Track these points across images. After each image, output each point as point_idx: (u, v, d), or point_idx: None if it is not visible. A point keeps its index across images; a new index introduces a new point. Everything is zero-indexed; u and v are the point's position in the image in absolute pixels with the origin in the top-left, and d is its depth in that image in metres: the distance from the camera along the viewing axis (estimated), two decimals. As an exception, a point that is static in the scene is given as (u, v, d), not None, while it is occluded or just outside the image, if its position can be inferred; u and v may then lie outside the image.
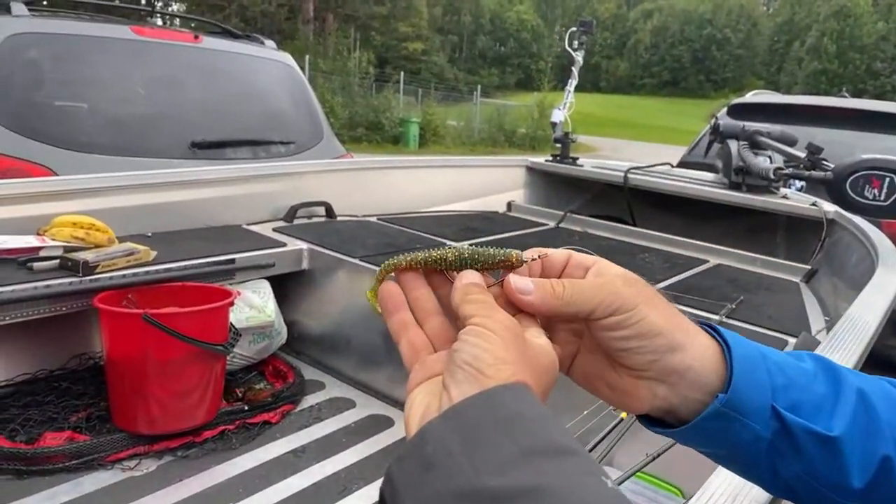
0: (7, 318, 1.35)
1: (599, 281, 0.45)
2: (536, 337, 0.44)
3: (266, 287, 1.79)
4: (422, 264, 0.48)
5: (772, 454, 0.45)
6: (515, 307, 0.46)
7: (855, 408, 0.46)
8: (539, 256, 0.47)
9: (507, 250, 0.47)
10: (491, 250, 0.47)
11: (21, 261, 1.47)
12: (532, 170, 3.13)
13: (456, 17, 46.91)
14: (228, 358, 1.60)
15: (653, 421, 0.49)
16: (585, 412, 1.17)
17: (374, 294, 0.49)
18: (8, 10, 2.63)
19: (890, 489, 0.46)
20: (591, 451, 0.98)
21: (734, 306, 1.68)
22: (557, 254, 0.48)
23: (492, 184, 2.97)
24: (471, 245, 0.49)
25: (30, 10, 2.68)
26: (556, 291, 0.45)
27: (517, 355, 0.40)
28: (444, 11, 45.88)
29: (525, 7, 49.96)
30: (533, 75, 43.49)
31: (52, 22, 2.73)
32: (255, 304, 1.73)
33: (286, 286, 1.91)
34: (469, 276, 0.45)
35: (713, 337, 0.47)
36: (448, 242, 2.07)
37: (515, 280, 0.46)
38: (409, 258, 0.48)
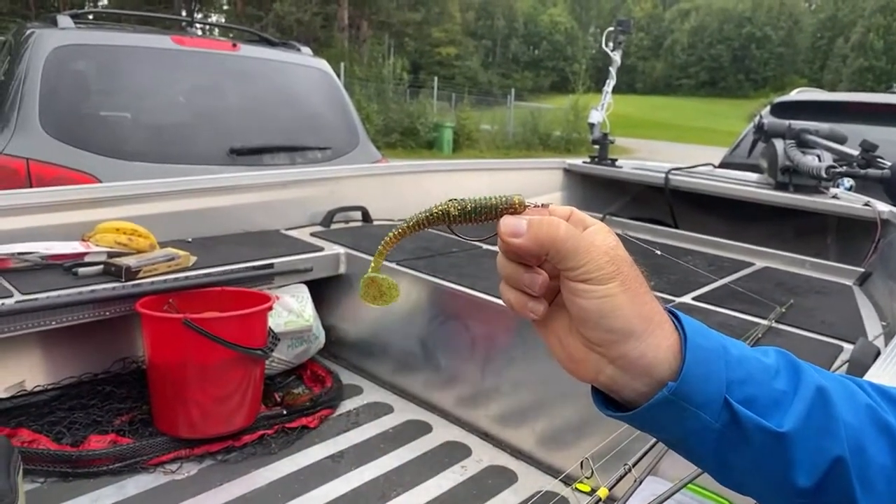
0: (54, 323, 1.38)
1: (592, 240, 0.44)
2: None
3: (304, 291, 1.80)
4: (425, 223, 0.47)
5: (722, 446, 0.45)
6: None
7: (811, 406, 0.45)
8: (542, 205, 0.46)
9: (509, 196, 0.46)
10: (492, 198, 0.46)
11: (66, 266, 1.50)
12: (570, 172, 3.09)
13: (489, 22, 46.93)
14: (267, 362, 1.61)
15: (603, 402, 0.49)
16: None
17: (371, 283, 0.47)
18: (54, 23, 2.71)
19: (841, 491, 0.44)
20: (637, 461, 0.94)
21: (784, 310, 1.62)
22: (560, 209, 0.47)
23: (529, 186, 2.94)
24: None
25: (75, 22, 2.75)
26: (553, 227, 0.43)
27: None
28: (477, 16, 45.94)
29: (559, 10, 49.69)
30: (567, 78, 43.15)
31: (97, 33, 2.80)
32: (293, 309, 1.73)
33: (324, 290, 1.91)
34: None
35: (676, 327, 0.46)
36: (484, 247, 2.05)
37: (506, 222, 0.45)
38: (412, 222, 0.47)
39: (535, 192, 2.94)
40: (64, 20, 2.72)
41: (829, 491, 0.45)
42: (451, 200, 0.46)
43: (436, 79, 20.13)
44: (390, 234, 0.47)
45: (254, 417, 1.53)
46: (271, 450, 1.49)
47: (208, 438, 1.46)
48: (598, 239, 0.44)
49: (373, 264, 0.46)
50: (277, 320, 1.67)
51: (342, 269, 1.90)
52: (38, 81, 2.47)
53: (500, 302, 1.54)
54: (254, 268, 1.69)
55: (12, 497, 0.99)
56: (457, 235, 0.49)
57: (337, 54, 19.20)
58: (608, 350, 0.45)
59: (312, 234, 2.05)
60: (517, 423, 1.55)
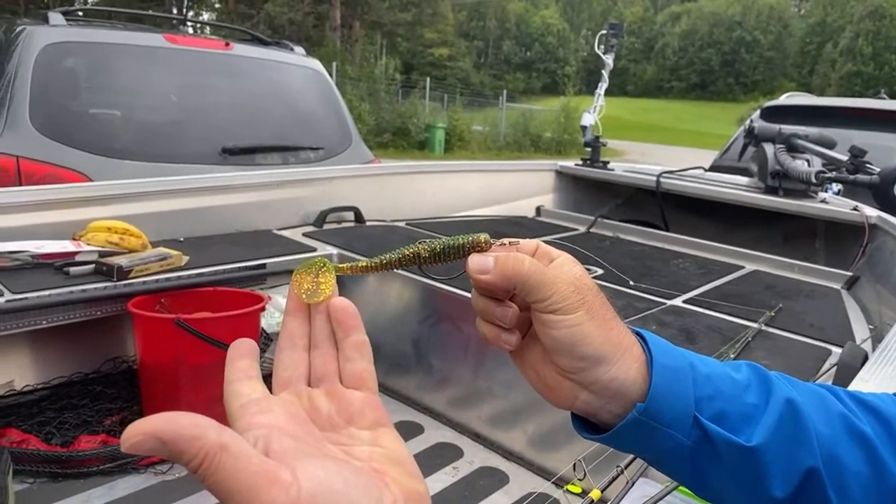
0: (44, 322, 1.37)
1: (557, 273, 0.45)
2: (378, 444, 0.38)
3: (296, 292, 1.79)
4: (397, 264, 0.48)
5: (696, 462, 0.46)
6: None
7: (780, 418, 0.46)
8: (510, 243, 0.48)
9: (476, 235, 0.47)
10: (459, 238, 0.47)
11: (58, 265, 1.49)
12: (561, 174, 3.10)
13: (481, 23, 46.99)
14: (259, 363, 1.60)
15: (583, 425, 0.50)
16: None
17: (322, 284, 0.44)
18: (45, 21, 2.69)
19: (817, 501, 0.46)
20: (630, 463, 0.95)
21: (773, 314, 1.63)
22: (527, 244, 0.48)
23: (521, 188, 2.95)
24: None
25: (67, 19, 2.73)
26: (518, 262, 0.45)
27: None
28: (469, 17, 46.01)
29: (550, 12, 49.82)
30: (559, 80, 43.32)
31: (88, 31, 2.78)
32: (285, 310, 1.73)
33: (316, 291, 1.90)
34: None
35: (644, 349, 0.47)
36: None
37: (473, 260, 0.46)
38: (384, 260, 0.48)
39: (527, 193, 2.94)
40: (55, 17, 2.70)
41: (805, 501, 0.46)
42: (420, 242, 0.47)
43: (428, 79, 20.12)
44: (362, 262, 0.48)
45: (245, 418, 1.52)
46: (263, 450, 1.49)
47: (200, 439, 1.45)
48: (562, 271, 0.46)
49: (340, 263, 0.46)
50: (270, 321, 1.67)
51: (335, 270, 1.90)
52: (29, 78, 2.46)
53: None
54: (246, 268, 1.69)
55: (2, 498, 0.99)
56: (428, 276, 0.50)
57: (329, 54, 19.14)
58: (581, 377, 0.46)
59: (305, 235, 2.05)
60: (509, 425, 1.56)
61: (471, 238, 0.47)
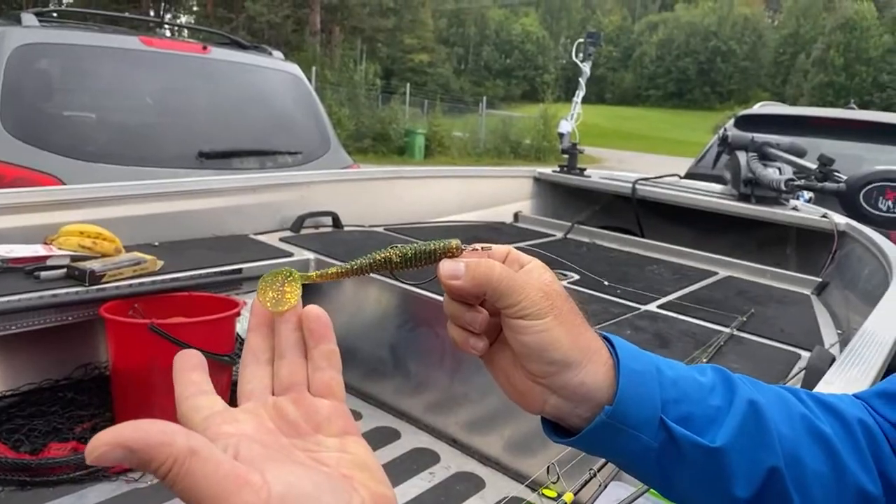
0: (13, 328, 1.34)
1: (527, 279, 0.46)
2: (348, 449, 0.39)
3: (273, 297, 1.78)
4: (368, 269, 0.48)
5: (662, 464, 0.47)
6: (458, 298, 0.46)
7: (743, 419, 0.47)
8: (482, 248, 0.48)
9: (447, 240, 0.47)
10: (431, 244, 0.47)
11: (28, 270, 1.46)
12: (539, 180, 3.12)
13: (461, 30, 47.20)
14: (235, 369, 1.59)
15: (553, 429, 0.50)
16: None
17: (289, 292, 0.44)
18: (18, 21, 2.65)
19: (779, 500, 0.47)
20: (602, 466, 0.96)
21: (745, 319, 1.66)
22: (498, 250, 0.48)
23: (499, 194, 2.96)
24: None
25: (40, 20, 2.69)
26: (488, 268, 0.45)
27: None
28: (449, 23, 46.20)
29: (530, 19, 50.20)
30: (538, 87, 43.62)
31: (62, 32, 2.75)
32: (261, 315, 1.72)
33: (293, 296, 1.89)
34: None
35: (611, 353, 0.48)
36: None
37: (444, 266, 0.46)
38: (355, 265, 0.47)
39: (505, 199, 2.96)
40: (28, 18, 2.67)
41: (767, 500, 0.47)
42: (392, 248, 0.48)
43: (408, 85, 20.14)
44: (332, 269, 0.48)
45: (220, 424, 1.51)
46: (238, 457, 1.47)
47: (173, 446, 1.43)
48: (532, 277, 0.46)
49: (317, 268, 0.46)
50: (245, 326, 1.66)
51: (312, 275, 1.89)
52: (0, 80, 2.42)
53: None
54: (222, 273, 1.68)
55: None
56: (400, 281, 0.50)
57: (308, 58, 19.09)
58: (550, 381, 0.46)
59: (282, 240, 2.04)
60: (485, 430, 1.56)
61: (442, 244, 0.47)
